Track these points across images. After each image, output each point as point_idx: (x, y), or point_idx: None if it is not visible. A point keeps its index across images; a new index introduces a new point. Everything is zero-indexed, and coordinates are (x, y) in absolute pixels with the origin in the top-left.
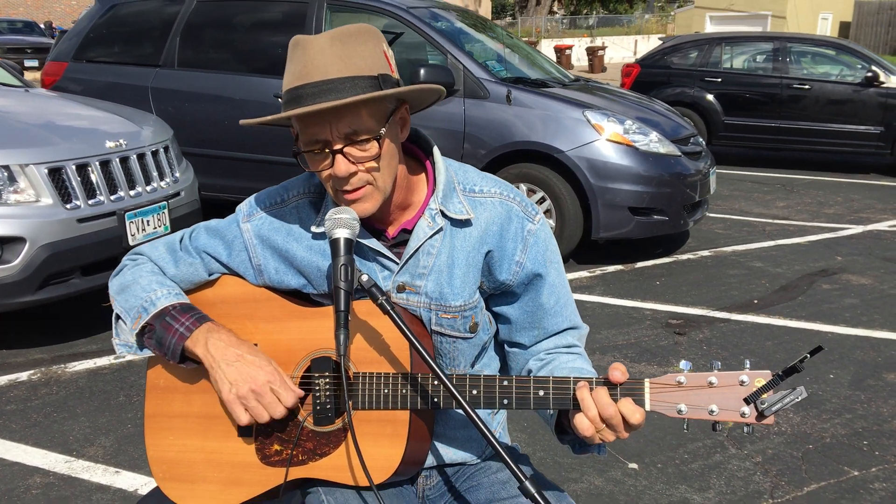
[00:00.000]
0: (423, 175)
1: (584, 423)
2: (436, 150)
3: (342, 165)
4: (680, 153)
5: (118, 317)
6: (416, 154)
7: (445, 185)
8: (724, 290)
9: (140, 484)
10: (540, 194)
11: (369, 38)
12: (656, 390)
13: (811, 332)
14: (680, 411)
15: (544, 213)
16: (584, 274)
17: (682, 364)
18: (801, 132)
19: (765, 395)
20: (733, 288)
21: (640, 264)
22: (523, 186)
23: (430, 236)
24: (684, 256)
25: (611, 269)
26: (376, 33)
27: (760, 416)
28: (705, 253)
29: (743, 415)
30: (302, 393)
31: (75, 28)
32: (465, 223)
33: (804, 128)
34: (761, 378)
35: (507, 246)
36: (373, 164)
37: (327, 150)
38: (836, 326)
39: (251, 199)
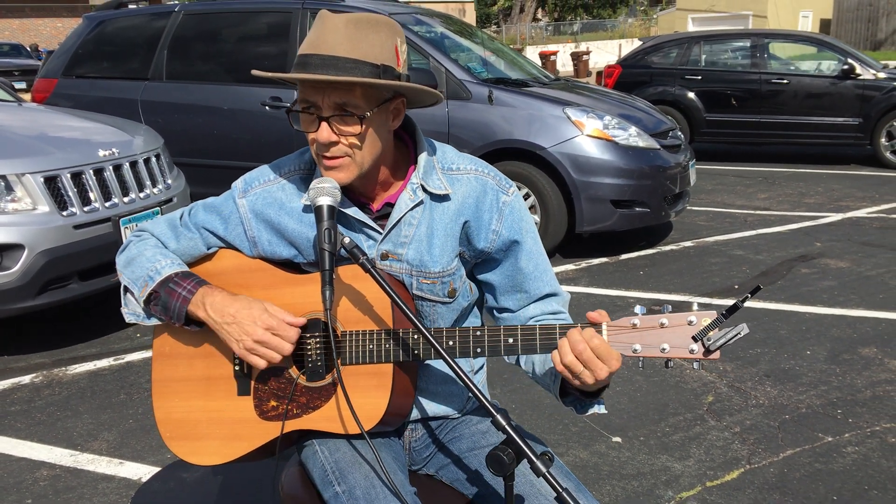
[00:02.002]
0: (406, 153)
1: (558, 367)
2: (418, 132)
3: (325, 133)
4: (659, 146)
5: (126, 289)
6: (399, 134)
7: (426, 163)
8: (706, 278)
9: (144, 473)
10: (524, 191)
11: (384, 29)
12: (613, 332)
13: (789, 312)
14: (635, 350)
15: (528, 209)
16: (569, 267)
17: (637, 309)
18: (782, 126)
19: (711, 333)
20: (715, 275)
21: (624, 256)
22: None
23: (412, 208)
24: (667, 247)
25: (595, 261)
26: (394, 27)
27: (707, 351)
28: (688, 243)
29: (692, 351)
30: (303, 321)
31: (64, 45)
32: (444, 198)
33: (784, 122)
34: (707, 318)
35: (484, 217)
36: (354, 140)
37: (315, 115)
38: (813, 307)
39: (246, 176)
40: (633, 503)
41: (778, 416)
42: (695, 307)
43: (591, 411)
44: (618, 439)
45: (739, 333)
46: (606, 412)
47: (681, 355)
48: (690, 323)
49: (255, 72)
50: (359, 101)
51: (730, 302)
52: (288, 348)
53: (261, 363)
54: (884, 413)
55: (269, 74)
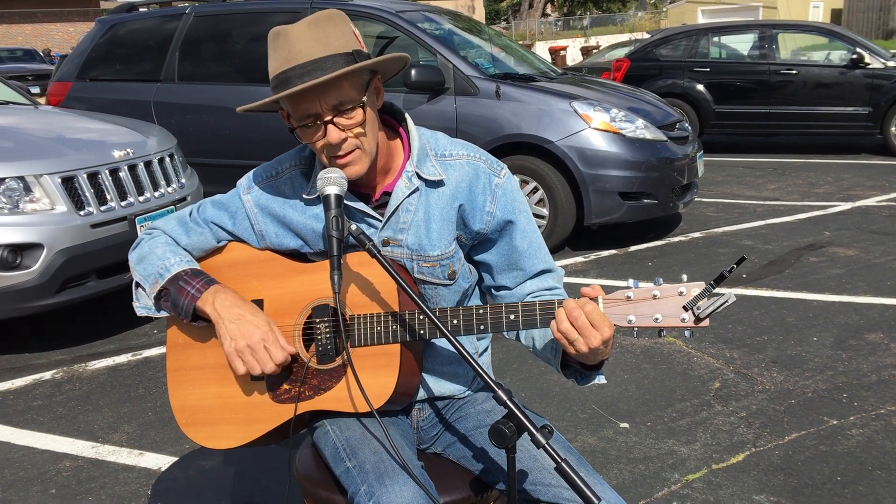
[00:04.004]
0: (399, 143)
1: (555, 335)
2: (409, 120)
3: (334, 134)
4: (666, 138)
5: (138, 284)
6: (391, 124)
7: (419, 151)
8: (715, 268)
9: (163, 463)
10: (533, 184)
11: (339, 21)
12: (609, 305)
13: (796, 300)
14: (630, 321)
15: (537, 202)
16: (578, 259)
17: (630, 282)
18: (791, 117)
19: (700, 302)
20: (723, 265)
21: (633, 248)
22: (516, 178)
23: (408, 195)
24: (676, 239)
25: (605, 253)
26: (343, 16)
27: (697, 319)
28: (696, 235)
29: (683, 320)
30: (294, 350)
31: (77, 49)
32: (438, 183)
33: (794, 112)
34: (696, 288)
35: (477, 199)
36: (359, 129)
37: (319, 122)
38: (821, 294)
39: (249, 174)
40: (641, 486)
41: (784, 400)
42: (684, 279)
43: (591, 382)
44: (625, 425)
45: (727, 301)
46: (605, 382)
47: (672, 324)
48: (681, 293)
49: (239, 109)
50: (350, 93)
51: (737, 290)
52: (271, 367)
53: (240, 368)
54: (889, 396)
55: (257, 104)
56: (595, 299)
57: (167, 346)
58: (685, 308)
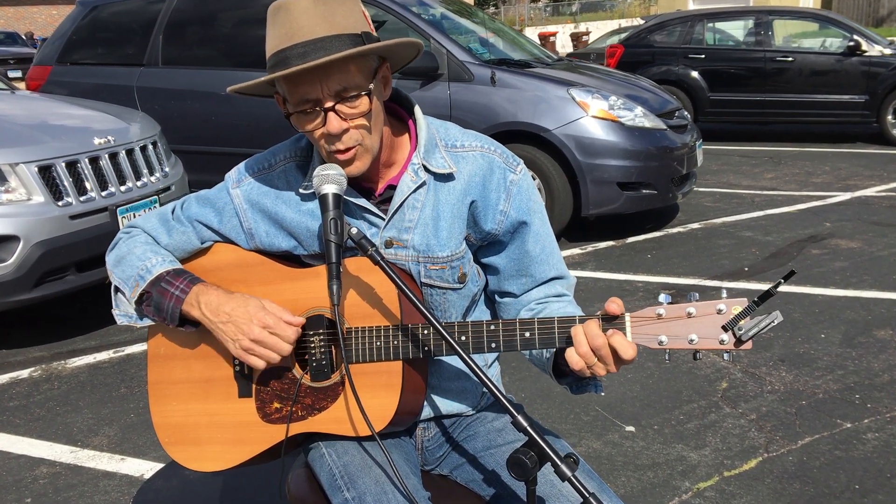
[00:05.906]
0: (406, 133)
1: (573, 358)
2: (417, 109)
3: (335, 122)
4: (665, 127)
5: (117, 288)
6: (398, 113)
7: (427, 141)
8: (715, 260)
9: (145, 469)
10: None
11: None
12: (637, 324)
13: (801, 295)
14: (661, 342)
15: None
16: (575, 251)
17: (662, 297)
18: (787, 105)
19: (742, 322)
20: (724, 257)
21: (631, 239)
22: None
23: (414, 190)
24: (674, 230)
25: (602, 245)
26: None
27: (738, 341)
28: (695, 225)
29: (722, 342)
30: (302, 321)
31: (58, 31)
32: (448, 177)
33: (789, 100)
34: (738, 305)
35: (491, 196)
36: (363, 121)
37: (318, 109)
38: (825, 289)
39: (240, 165)
40: (650, 495)
41: (794, 402)
42: (724, 294)
43: (587, 392)
44: (631, 428)
45: (773, 321)
46: (604, 394)
47: (710, 346)
48: (720, 311)
49: (230, 88)
50: (356, 78)
51: (739, 284)
52: (286, 348)
53: (258, 364)
54: None
55: (250, 84)
56: (621, 317)
57: (148, 356)
58: (724, 328)
